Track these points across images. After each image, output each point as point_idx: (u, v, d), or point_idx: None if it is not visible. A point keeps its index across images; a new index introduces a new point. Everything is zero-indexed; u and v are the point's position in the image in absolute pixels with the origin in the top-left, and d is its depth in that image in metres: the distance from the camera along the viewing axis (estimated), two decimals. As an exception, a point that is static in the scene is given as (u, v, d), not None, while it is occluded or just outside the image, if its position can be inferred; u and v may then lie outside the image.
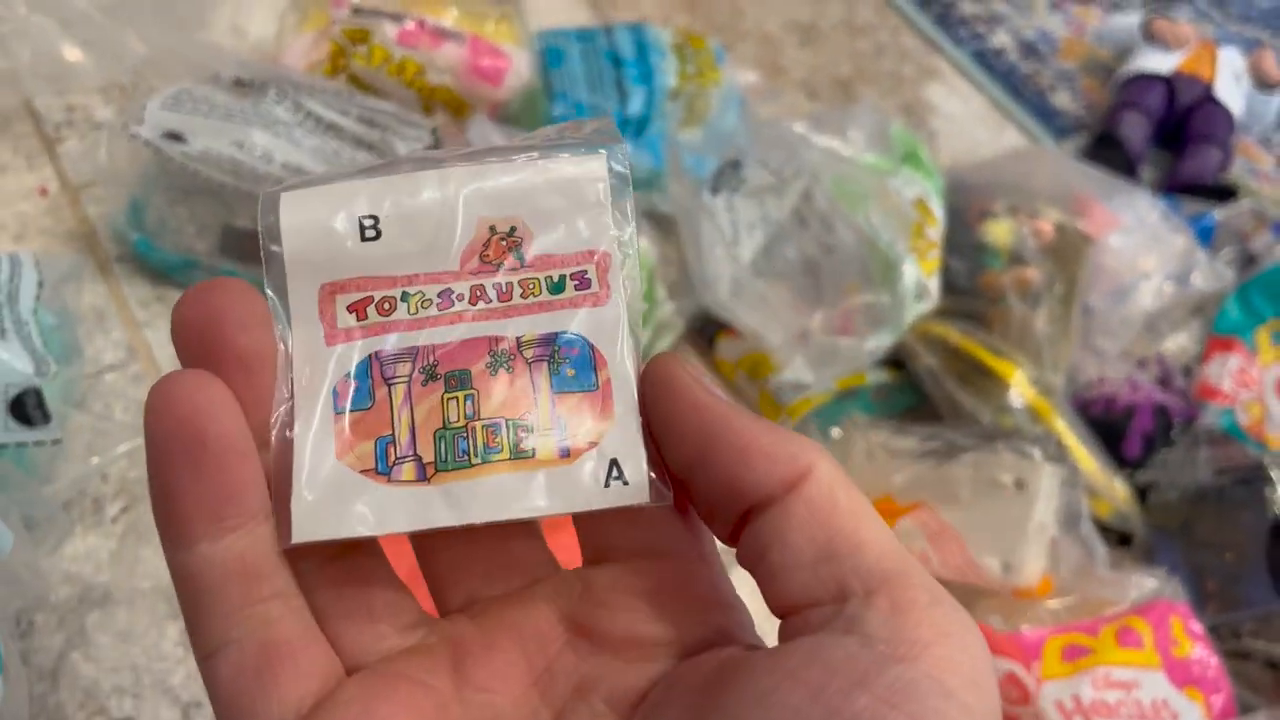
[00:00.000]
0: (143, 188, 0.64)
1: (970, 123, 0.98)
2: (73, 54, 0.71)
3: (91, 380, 0.61)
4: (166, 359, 0.63)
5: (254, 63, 0.67)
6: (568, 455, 0.23)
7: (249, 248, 0.61)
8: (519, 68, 0.73)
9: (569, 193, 0.24)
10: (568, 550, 0.25)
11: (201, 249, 0.65)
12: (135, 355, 0.63)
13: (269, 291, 0.23)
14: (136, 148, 0.61)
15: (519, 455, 0.23)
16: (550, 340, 0.23)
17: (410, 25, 0.72)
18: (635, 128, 0.75)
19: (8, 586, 0.47)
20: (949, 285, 0.73)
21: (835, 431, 0.68)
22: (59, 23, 0.70)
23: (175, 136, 0.61)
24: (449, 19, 0.73)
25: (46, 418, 0.52)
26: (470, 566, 0.24)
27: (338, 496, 0.22)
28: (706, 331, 0.73)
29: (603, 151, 0.24)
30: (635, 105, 0.75)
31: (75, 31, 0.71)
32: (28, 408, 0.51)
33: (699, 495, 0.22)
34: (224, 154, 0.61)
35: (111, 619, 0.54)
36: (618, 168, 0.24)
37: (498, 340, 0.23)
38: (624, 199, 0.24)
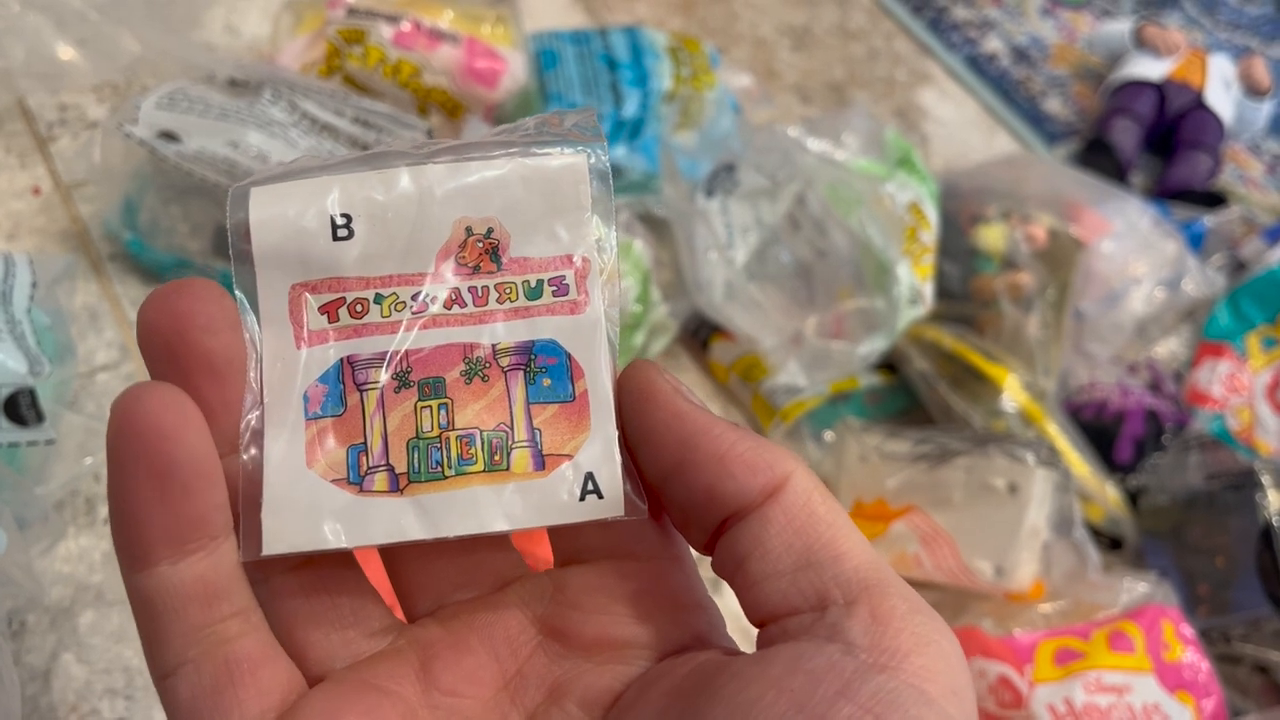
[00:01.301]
0: (136, 187, 0.64)
1: (962, 128, 0.99)
2: (66, 53, 0.71)
3: (84, 380, 0.61)
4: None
5: (249, 63, 0.67)
6: (543, 468, 0.22)
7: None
8: (514, 70, 0.73)
9: (548, 194, 0.23)
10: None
11: (194, 249, 0.65)
12: (128, 355, 0.63)
13: (238, 291, 0.22)
14: (130, 147, 0.61)
15: (493, 468, 0.22)
16: (527, 349, 0.23)
17: (406, 26, 0.72)
18: (630, 131, 0.75)
19: (0, 587, 0.47)
20: (942, 289, 0.73)
21: (828, 435, 0.68)
22: (53, 21, 0.70)
23: (170, 136, 0.61)
24: (445, 21, 0.73)
25: (40, 418, 0.52)
26: (438, 571, 0.24)
27: (308, 507, 0.22)
28: (701, 334, 0.73)
29: (584, 151, 0.23)
30: (630, 108, 0.75)
31: (69, 30, 0.71)
32: (21, 408, 0.51)
33: (675, 503, 0.22)
34: (218, 154, 0.61)
35: (104, 620, 0.53)
36: (598, 167, 0.23)
37: (473, 347, 0.23)
38: (604, 201, 0.23)
